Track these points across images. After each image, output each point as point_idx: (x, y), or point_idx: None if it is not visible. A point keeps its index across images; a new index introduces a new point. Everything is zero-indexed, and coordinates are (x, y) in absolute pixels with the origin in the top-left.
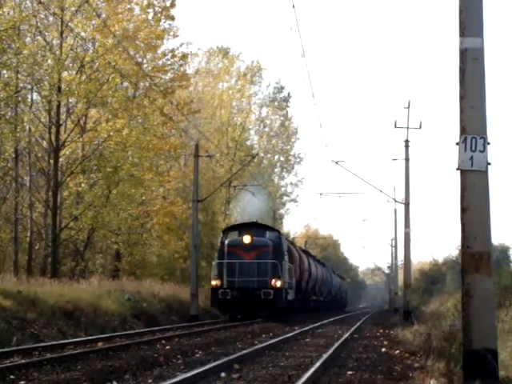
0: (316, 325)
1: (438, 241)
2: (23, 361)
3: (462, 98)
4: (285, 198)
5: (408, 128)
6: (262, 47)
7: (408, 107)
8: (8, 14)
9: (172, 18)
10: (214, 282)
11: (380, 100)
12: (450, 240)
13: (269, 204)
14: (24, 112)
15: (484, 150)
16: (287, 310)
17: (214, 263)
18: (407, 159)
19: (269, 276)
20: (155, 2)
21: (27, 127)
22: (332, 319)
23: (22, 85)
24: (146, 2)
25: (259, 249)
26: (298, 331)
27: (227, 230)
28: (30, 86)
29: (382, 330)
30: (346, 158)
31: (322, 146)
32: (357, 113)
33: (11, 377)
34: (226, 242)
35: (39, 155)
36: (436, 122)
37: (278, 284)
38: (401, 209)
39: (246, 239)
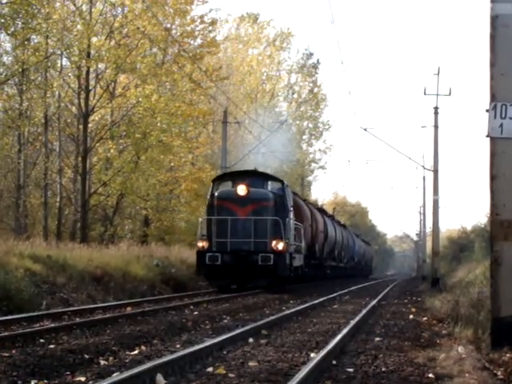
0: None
1: (467, 208)
2: (53, 325)
3: (492, 64)
4: (313, 164)
5: (437, 95)
6: (292, 13)
7: (438, 74)
8: None
9: None
10: (200, 244)
11: (409, 66)
12: (479, 208)
13: (297, 171)
14: (53, 77)
15: None
16: (292, 279)
17: (200, 220)
18: (436, 126)
19: (268, 236)
20: None
21: (57, 93)
22: (353, 288)
23: (51, 50)
24: None
25: (257, 202)
26: (325, 298)
27: (218, 179)
28: (59, 52)
29: (409, 298)
30: (375, 125)
31: (350, 113)
32: (386, 80)
33: (41, 340)
34: (216, 193)
35: (68, 121)
36: (466, 89)
37: (280, 246)
38: (429, 176)
39: (241, 190)
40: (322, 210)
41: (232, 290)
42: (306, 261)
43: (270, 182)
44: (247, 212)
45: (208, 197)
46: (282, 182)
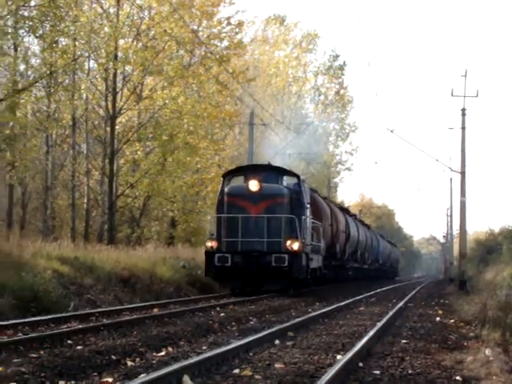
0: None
1: (495, 210)
2: (80, 326)
3: None
4: (339, 166)
5: (465, 96)
6: (318, 15)
7: (465, 75)
8: None
9: None
10: (208, 244)
11: (437, 68)
12: (507, 210)
13: (323, 172)
14: (81, 80)
15: None
16: (310, 281)
17: (209, 218)
18: (464, 128)
19: (283, 236)
20: None
21: (84, 95)
22: (379, 290)
23: (79, 52)
24: None
25: (270, 199)
26: (350, 300)
27: (229, 174)
28: (87, 54)
29: (436, 300)
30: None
31: (377, 115)
32: (413, 81)
33: (69, 341)
34: (227, 189)
35: (96, 123)
36: (494, 90)
37: (295, 246)
38: (457, 178)
39: (253, 186)
40: (343, 209)
41: (248, 292)
42: (325, 262)
43: (285, 177)
44: (260, 209)
45: (218, 193)
46: (298, 176)
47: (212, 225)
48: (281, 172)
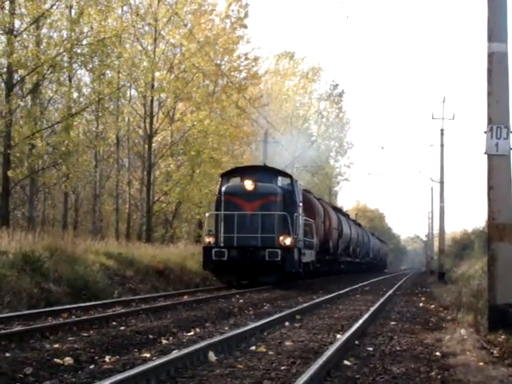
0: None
1: (468, 214)
2: (123, 310)
3: (489, 93)
4: (339, 177)
5: (443, 119)
6: (322, 50)
7: (443, 101)
8: (111, 24)
9: (245, 27)
10: (206, 240)
11: (421, 94)
12: (478, 213)
13: (325, 182)
14: (124, 105)
15: (507, 138)
16: (302, 274)
17: (207, 215)
18: (442, 145)
19: (276, 232)
20: (231, 14)
21: (126, 118)
22: (372, 280)
23: (122, 83)
24: (223, 14)
25: (265, 197)
26: (348, 289)
27: (227, 174)
28: (128, 84)
29: (419, 288)
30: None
31: (370, 134)
32: (401, 106)
33: (113, 323)
34: (224, 188)
35: (136, 141)
36: (467, 114)
37: (288, 242)
38: (437, 187)
39: (248, 185)
40: (336, 209)
41: (244, 285)
42: (319, 256)
43: (279, 178)
44: (254, 207)
45: (217, 192)
46: (290, 177)
47: (210, 221)
48: (275, 173)
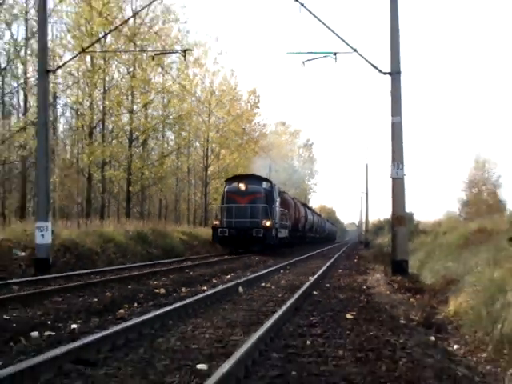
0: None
1: (382, 209)
2: (191, 263)
3: (392, 145)
4: (310, 190)
5: (367, 166)
6: (299, 116)
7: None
8: (185, 107)
9: (258, 107)
10: (215, 222)
11: (356, 145)
12: (387, 209)
13: (303, 192)
14: (191, 152)
15: (402, 169)
16: (278, 245)
17: (215, 207)
18: (367, 174)
19: (260, 217)
20: (250, 100)
21: (193, 158)
22: (328, 247)
23: (191, 139)
24: (246, 100)
25: (253, 194)
26: (314, 252)
27: (229, 180)
28: (194, 139)
29: (355, 252)
30: (343, 171)
31: (328, 166)
32: (344, 152)
33: (186, 270)
34: (226, 189)
35: (198, 169)
36: (382, 155)
37: (268, 224)
38: (364, 196)
39: (242, 186)
40: (304, 204)
41: (239, 252)
42: (291, 234)
43: (263, 182)
44: (246, 201)
45: (223, 192)
46: (271, 182)
47: (218, 211)
48: (261, 179)
